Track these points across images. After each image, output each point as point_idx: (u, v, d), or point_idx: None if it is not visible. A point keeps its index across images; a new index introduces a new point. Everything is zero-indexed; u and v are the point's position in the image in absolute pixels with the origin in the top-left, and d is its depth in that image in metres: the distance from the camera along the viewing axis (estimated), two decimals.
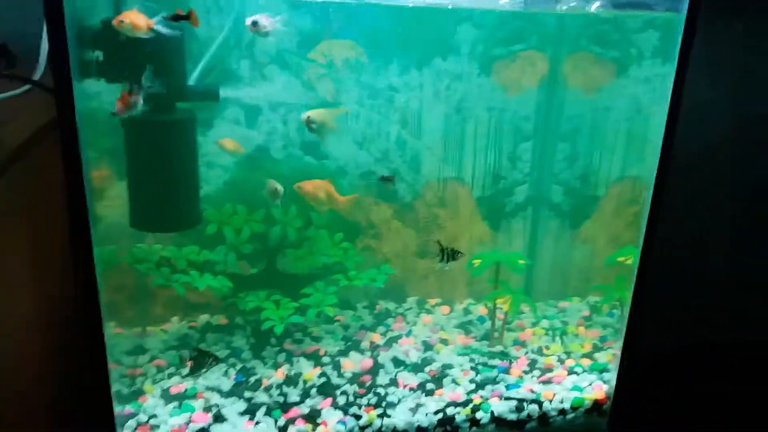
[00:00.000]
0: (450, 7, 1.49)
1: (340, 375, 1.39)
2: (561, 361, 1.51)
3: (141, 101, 1.07)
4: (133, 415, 1.21)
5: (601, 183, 1.71)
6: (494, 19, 1.54)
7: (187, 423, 1.20)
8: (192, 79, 1.21)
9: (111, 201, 1.32)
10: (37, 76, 1.24)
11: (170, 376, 1.33)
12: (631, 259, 1.55)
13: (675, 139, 1.27)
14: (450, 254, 1.34)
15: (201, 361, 1.17)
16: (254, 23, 1.12)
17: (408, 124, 1.57)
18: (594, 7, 1.43)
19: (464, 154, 1.62)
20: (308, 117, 1.24)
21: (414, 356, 1.46)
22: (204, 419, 1.22)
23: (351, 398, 1.32)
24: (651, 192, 1.30)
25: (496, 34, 1.56)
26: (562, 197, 1.69)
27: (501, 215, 1.67)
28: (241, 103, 1.44)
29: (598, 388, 1.42)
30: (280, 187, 1.30)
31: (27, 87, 1.19)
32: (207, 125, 1.39)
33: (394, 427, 1.26)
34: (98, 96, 1.16)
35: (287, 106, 1.49)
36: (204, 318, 1.53)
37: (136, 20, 1.03)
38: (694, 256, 1.53)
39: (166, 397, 1.27)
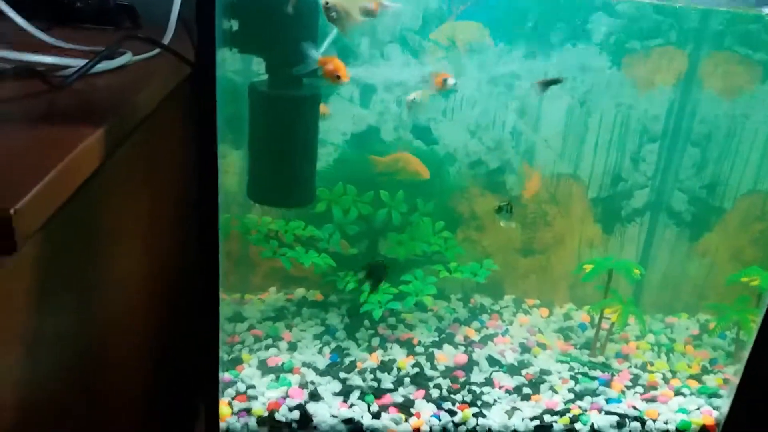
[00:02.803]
0: None
1: (434, 367, 1.35)
2: (666, 380, 1.42)
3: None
4: (232, 383, 1.23)
5: (729, 194, 1.57)
6: (633, 10, 1.43)
7: (284, 397, 1.21)
8: (319, 55, 1.19)
9: (226, 169, 1.33)
10: (166, 41, 1.25)
11: (267, 347, 1.34)
12: (757, 280, 1.44)
13: None
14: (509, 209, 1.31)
15: (378, 274, 1.18)
16: (326, 3, 1.03)
17: (526, 114, 1.50)
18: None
19: (583, 150, 1.52)
20: (326, 2, 1.05)
21: (510, 357, 1.41)
22: (300, 395, 1.22)
23: (444, 392, 1.29)
24: None
25: (632, 25, 1.44)
26: (684, 206, 1.57)
27: (616, 219, 1.57)
28: (357, 81, 1.41)
29: (706, 413, 1.32)
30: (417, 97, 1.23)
31: (156, 51, 1.20)
32: (323, 102, 1.37)
33: (489, 429, 1.22)
34: (223, 64, 1.16)
35: (403, 86, 1.45)
36: (300, 292, 1.53)
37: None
38: None
39: (263, 368, 1.29)
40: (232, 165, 1.36)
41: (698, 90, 1.50)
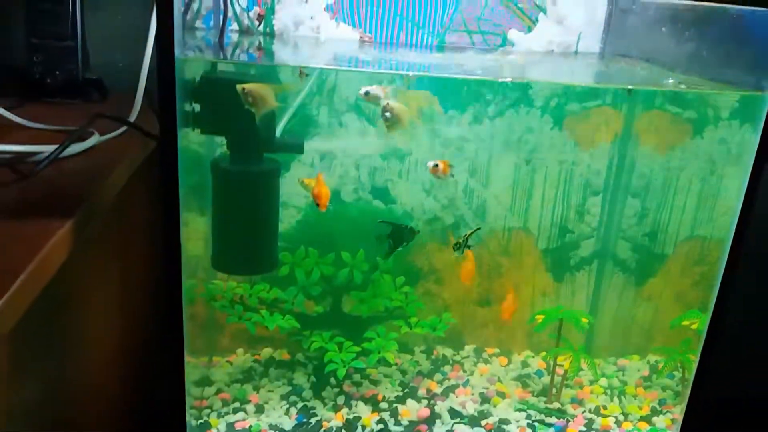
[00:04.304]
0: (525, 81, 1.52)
1: (398, 422, 1.40)
2: (618, 423, 1.49)
3: None
4: None
5: (669, 241, 1.68)
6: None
7: None
8: (278, 130, 1.26)
9: (189, 236, 1.38)
10: (133, 116, 1.31)
11: (235, 411, 1.37)
12: (696, 324, 1.53)
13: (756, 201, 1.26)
14: (465, 244, 1.33)
15: (400, 236, 1.19)
16: (366, 93, 1.16)
17: (477, 173, 1.59)
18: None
19: (531, 205, 1.62)
20: (243, 88, 1.06)
21: (471, 408, 1.46)
22: None
23: None
24: (726, 253, 1.28)
25: (570, 90, 1.56)
26: (629, 253, 1.67)
27: (565, 268, 1.66)
28: (317, 149, 1.49)
29: None
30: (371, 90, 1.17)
31: (123, 128, 1.26)
32: (284, 168, 1.44)
33: None
34: (185, 137, 1.22)
35: (359, 152, 1.53)
36: (268, 351, 1.57)
37: None
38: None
39: None
40: (198, 231, 1.41)
41: (634, 146, 1.63)
